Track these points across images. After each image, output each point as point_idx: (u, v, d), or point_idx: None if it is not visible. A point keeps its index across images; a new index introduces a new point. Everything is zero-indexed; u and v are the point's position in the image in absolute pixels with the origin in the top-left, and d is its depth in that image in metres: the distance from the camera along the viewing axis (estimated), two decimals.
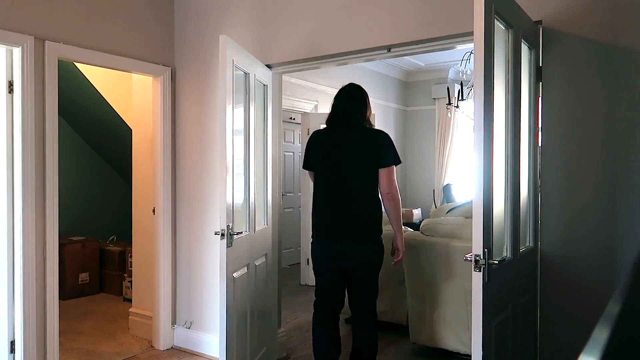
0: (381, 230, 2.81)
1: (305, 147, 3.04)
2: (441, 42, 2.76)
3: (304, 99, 5.74)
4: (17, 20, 2.88)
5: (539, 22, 2.41)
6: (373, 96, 6.97)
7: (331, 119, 2.88)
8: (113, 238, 6.04)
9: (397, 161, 2.78)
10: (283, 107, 3.72)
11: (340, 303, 2.88)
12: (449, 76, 7.34)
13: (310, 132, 5.73)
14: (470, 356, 1.87)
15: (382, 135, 2.80)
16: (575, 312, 2.35)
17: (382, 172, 2.74)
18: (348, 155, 2.76)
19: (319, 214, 2.84)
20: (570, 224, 2.38)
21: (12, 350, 2.92)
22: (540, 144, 2.43)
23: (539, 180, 2.44)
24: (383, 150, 2.76)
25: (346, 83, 2.91)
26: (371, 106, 2.95)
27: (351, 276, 2.81)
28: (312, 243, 2.88)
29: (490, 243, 1.87)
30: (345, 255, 2.74)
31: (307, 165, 2.95)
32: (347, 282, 2.83)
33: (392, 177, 2.76)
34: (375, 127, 2.95)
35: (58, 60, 3.06)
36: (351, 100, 2.83)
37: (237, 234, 2.73)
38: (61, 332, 3.33)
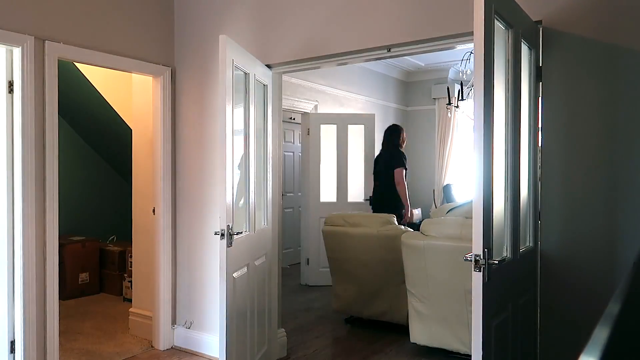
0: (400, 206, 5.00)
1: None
2: (441, 42, 2.76)
3: (304, 99, 5.74)
4: (17, 20, 2.88)
5: (539, 22, 2.41)
6: (373, 96, 7.01)
7: (382, 144, 5.32)
8: (113, 238, 6.04)
9: (400, 165, 5.00)
10: (283, 107, 3.72)
11: None
12: (449, 76, 7.33)
13: (310, 132, 5.78)
14: (470, 356, 1.87)
15: (395, 152, 5.08)
16: (575, 312, 2.35)
17: (395, 171, 4.97)
18: (381, 165, 5.17)
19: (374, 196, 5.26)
20: (570, 223, 2.38)
21: (12, 350, 2.92)
22: (540, 144, 2.43)
23: (539, 180, 2.44)
24: (394, 160, 5.02)
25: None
26: (404, 135, 5.24)
27: None
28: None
29: (490, 243, 1.87)
30: None
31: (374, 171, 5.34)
32: None
33: (399, 175, 4.96)
34: (399, 148, 5.11)
35: (58, 60, 3.06)
36: (387, 136, 5.21)
37: (237, 234, 2.73)
38: (61, 332, 3.34)
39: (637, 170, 2.22)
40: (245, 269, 2.89)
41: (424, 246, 3.48)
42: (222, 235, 2.60)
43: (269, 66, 3.34)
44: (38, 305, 2.98)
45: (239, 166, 2.89)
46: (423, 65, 7.36)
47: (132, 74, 3.95)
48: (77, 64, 4.39)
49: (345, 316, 4.40)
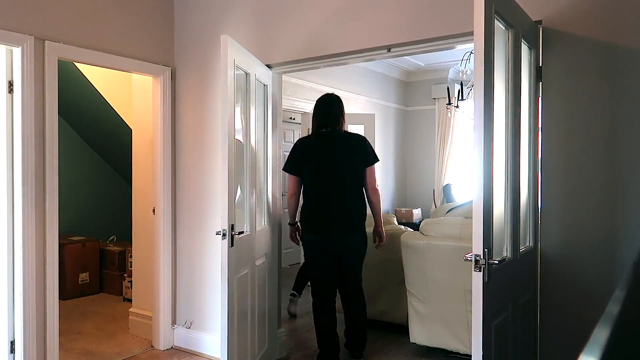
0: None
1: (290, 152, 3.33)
2: (441, 42, 2.76)
3: (304, 99, 5.74)
4: (17, 20, 2.88)
5: (539, 22, 2.41)
6: (373, 96, 7.01)
7: (316, 127, 3.30)
8: (113, 238, 6.04)
9: (376, 160, 3.25)
10: (283, 107, 3.71)
11: (334, 283, 3.31)
12: (449, 76, 7.34)
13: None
14: (470, 356, 1.87)
15: (363, 139, 3.26)
16: (575, 312, 2.35)
17: (367, 171, 3.21)
18: (336, 158, 3.20)
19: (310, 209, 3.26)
20: (571, 223, 2.38)
21: (12, 350, 2.92)
22: (540, 144, 2.43)
23: (539, 180, 2.44)
24: (367, 153, 3.22)
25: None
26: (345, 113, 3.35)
27: (341, 265, 3.27)
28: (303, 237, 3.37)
29: (490, 243, 1.87)
30: (337, 245, 3.21)
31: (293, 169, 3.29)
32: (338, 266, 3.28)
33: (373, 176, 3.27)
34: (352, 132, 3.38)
35: (58, 60, 3.06)
36: (330, 107, 3.28)
37: (238, 233, 2.73)
38: (61, 332, 3.33)
39: (637, 170, 2.22)
40: (245, 269, 2.89)
41: (423, 246, 3.48)
42: (224, 235, 2.60)
43: (269, 66, 3.34)
44: (38, 305, 2.98)
45: (239, 166, 2.89)
46: (423, 65, 7.37)
47: (132, 74, 3.95)
48: (77, 64, 4.39)
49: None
